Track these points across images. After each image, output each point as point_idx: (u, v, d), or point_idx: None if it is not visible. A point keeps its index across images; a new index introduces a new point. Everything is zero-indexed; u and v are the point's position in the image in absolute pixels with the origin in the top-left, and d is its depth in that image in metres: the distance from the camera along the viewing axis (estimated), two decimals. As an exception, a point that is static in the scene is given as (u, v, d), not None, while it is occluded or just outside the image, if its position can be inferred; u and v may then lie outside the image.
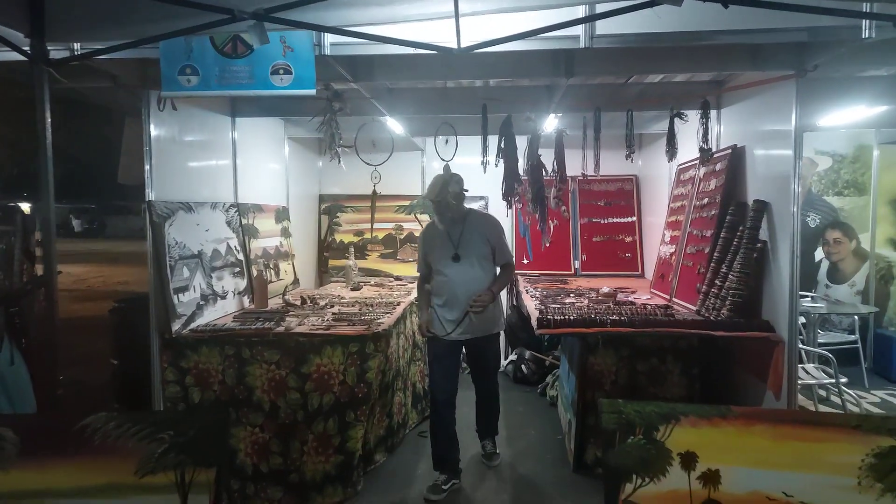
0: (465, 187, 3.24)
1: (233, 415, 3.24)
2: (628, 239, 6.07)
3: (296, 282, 5.21)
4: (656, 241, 5.50)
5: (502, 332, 6.17)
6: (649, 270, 5.82)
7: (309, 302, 4.28)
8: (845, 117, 4.86)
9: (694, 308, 3.77)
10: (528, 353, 5.76)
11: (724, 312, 3.36)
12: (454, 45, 2.17)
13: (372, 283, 5.56)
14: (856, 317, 5.60)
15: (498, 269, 3.67)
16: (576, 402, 3.74)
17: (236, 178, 4.33)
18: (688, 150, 4.73)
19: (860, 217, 6.05)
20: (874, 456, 1.86)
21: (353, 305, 4.21)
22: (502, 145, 3.18)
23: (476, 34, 2.30)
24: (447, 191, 3.27)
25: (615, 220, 6.14)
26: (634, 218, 6.11)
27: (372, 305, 4.17)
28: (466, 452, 3.89)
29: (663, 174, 5.36)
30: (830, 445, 1.89)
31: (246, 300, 4.18)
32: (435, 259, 3.57)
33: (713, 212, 3.86)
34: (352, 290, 5.10)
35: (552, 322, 3.34)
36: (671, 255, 4.56)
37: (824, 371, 4.33)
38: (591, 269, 6.03)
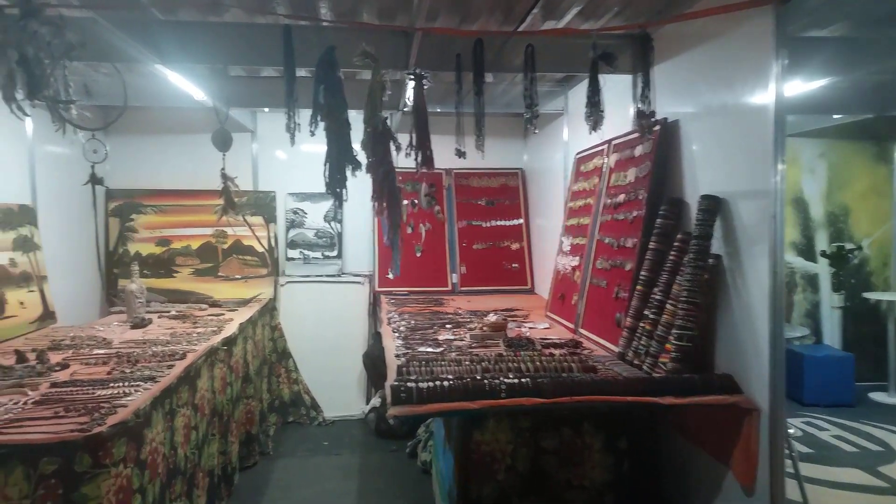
0: None
1: None
2: (515, 246, 4.99)
3: (48, 317, 3.50)
4: (549, 249, 4.45)
5: (364, 369, 4.88)
6: (540, 285, 4.77)
7: (34, 359, 2.65)
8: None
9: (615, 349, 2.68)
10: (393, 397, 4.45)
11: (666, 363, 2.27)
12: None
13: (173, 312, 3.96)
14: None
15: None
16: (455, 498, 2.49)
17: None
18: (586, 133, 3.70)
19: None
20: None
21: (105, 362, 2.64)
22: (321, 99, 1.82)
23: None
24: None
25: (499, 222, 5.03)
26: (522, 220, 5.04)
27: (137, 361, 2.64)
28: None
29: (556, 166, 4.32)
30: None
31: None
32: None
33: (635, 213, 2.81)
34: (132, 327, 3.49)
35: (414, 393, 2.05)
36: (574, 269, 3.49)
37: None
38: (472, 283, 4.87)
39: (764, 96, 2.02)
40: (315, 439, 4.36)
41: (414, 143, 2.00)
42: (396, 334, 3.26)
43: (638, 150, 2.88)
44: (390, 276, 4.85)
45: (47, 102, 2.07)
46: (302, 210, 5.02)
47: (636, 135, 2.93)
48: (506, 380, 2.15)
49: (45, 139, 3.79)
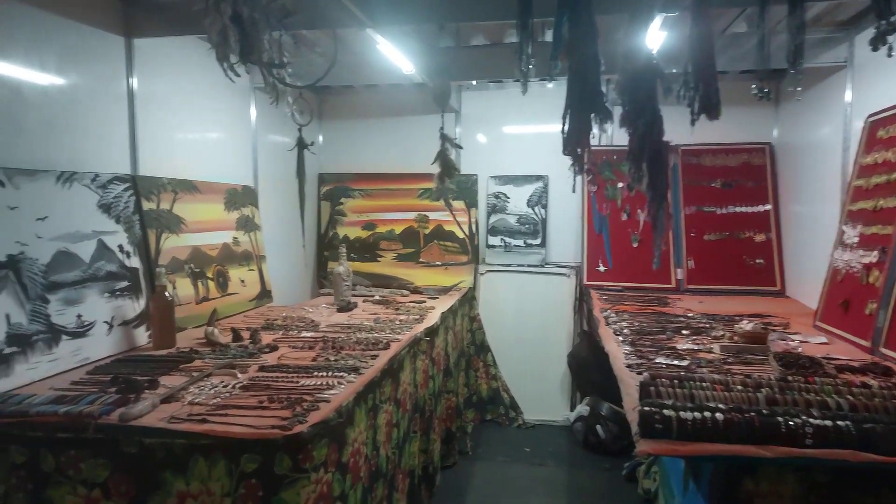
0: None
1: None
2: (760, 237, 4.09)
3: (265, 296, 3.59)
4: (810, 242, 3.53)
5: (568, 371, 4.37)
6: (796, 286, 3.84)
7: (248, 338, 2.63)
8: None
9: (963, 383, 1.85)
10: (605, 407, 3.91)
11: None
12: None
13: (376, 297, 3.87)
14: None
15: None
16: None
17: (135, 137, 2.72)
18: (885, 89, 2.79)
19: None
20: None
21: (312, 347, 2.52)
22: (564, 31, 1.35)
23: None
24: None
25: (739, 208, 4.16)
26: (769, 206, 4.11)
27: (342, 348, 2.47)
28: None
29: (830, 136, 3.37)
30: None
31: (143, 334, 2.58)
32: None
33: None
34: (339, 310, 3.43)
35: (675, 426, 1.52)
36: (867, 267, 2.61)
37: None
38: (702, 280, 4.09)
39: None
40: (515, 443, 4.00)
41: (691, 81, 1.40)
42: (620, 338, 2.72)
43: None
44: (602, 268, 4.30)
45: (259, 66, 1.93)
46: (504, 194, 4.67)
47: None
48: (811, 419, 1.51)
49: (267, 128, 3.93)
